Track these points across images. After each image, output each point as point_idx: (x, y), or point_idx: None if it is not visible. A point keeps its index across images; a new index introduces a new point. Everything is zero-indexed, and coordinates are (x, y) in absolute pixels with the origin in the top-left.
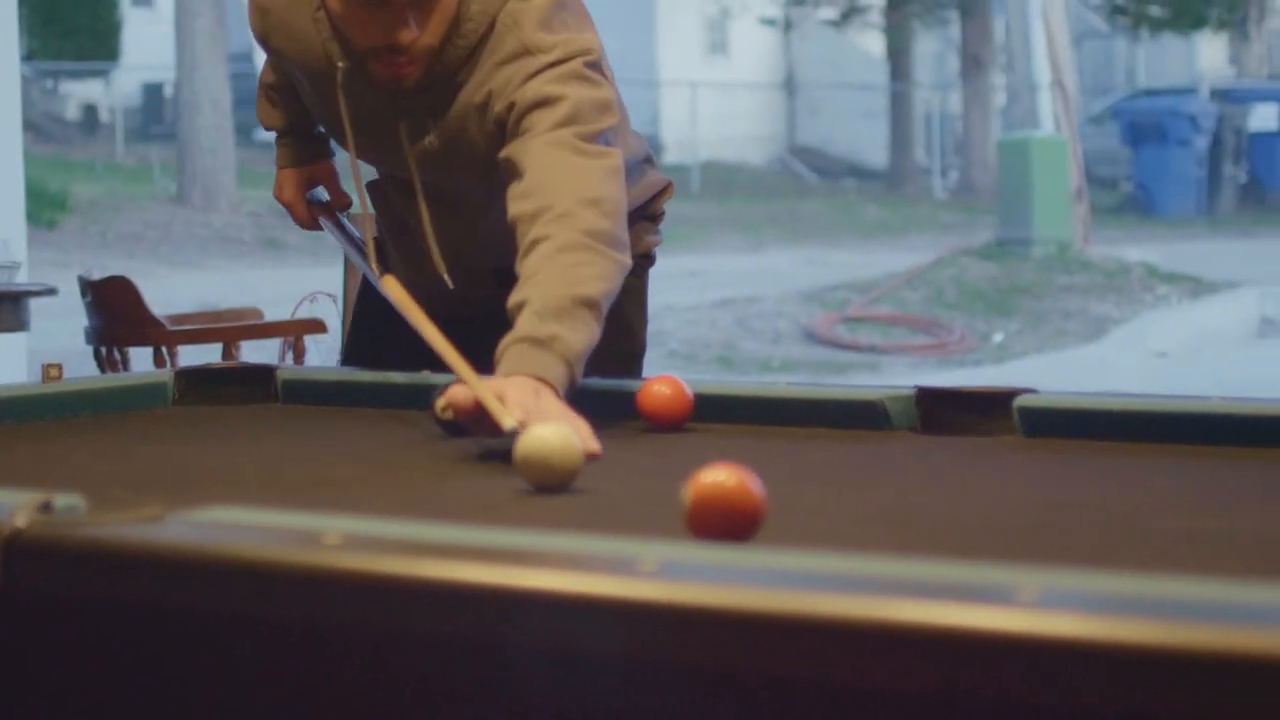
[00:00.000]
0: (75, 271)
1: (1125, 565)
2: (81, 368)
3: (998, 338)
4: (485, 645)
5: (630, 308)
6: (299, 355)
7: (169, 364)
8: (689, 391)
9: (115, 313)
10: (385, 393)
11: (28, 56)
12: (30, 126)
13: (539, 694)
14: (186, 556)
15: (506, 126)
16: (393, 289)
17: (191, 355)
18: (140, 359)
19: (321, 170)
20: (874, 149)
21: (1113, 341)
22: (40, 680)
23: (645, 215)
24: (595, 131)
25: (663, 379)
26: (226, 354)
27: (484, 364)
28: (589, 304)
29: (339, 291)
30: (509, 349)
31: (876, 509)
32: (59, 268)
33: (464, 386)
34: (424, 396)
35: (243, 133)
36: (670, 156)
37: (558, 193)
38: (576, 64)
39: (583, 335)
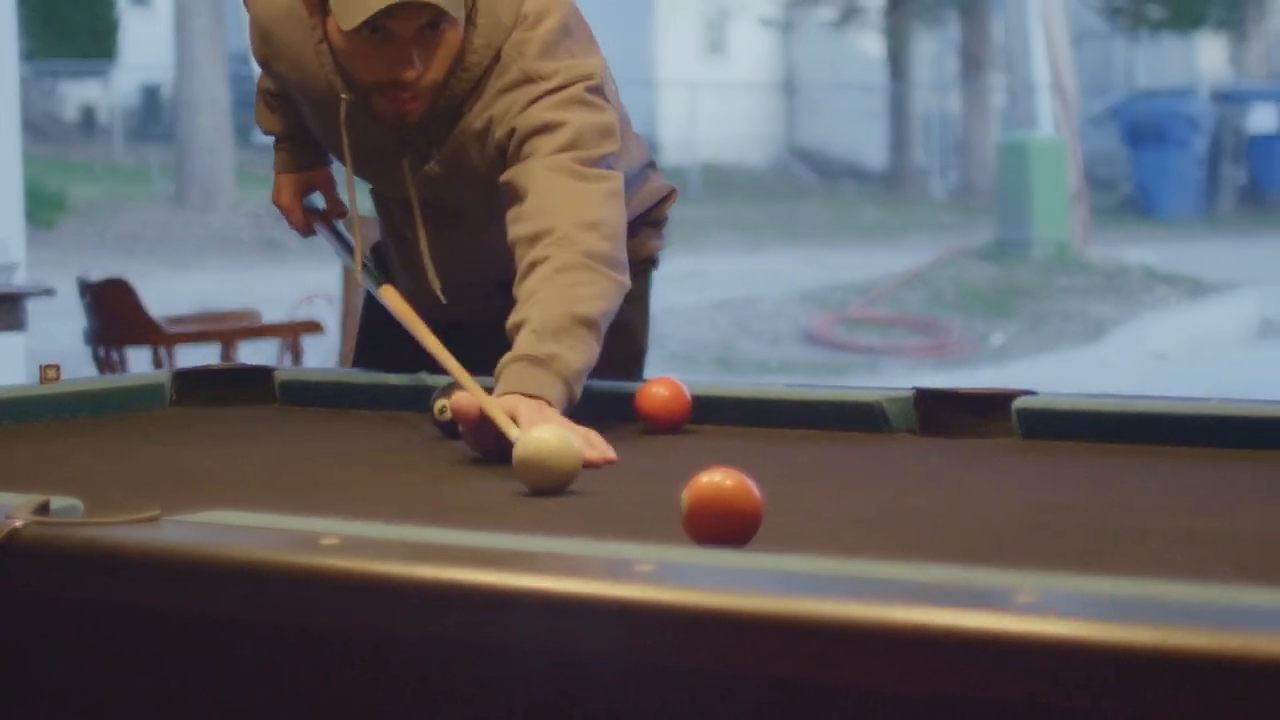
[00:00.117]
0: (74, 272)
1: (1123, 568)
2: (79, 368)
3: (997, 339)
4: (482, 647)
5: (631, 310)
6: (296, 356)
7: (166, 365)
8: (687, 393)
9: (113, 314)
10: (383, 394)
11: (27, 56)
12: (28, 127)
13: (536, 695)
14: (183, 558)
15: (507, 152)
16: (391, 298)
17: (190, 356)
18: (139, 360)
19: (319, 177)
20: (873, 150)
21: (1112, 343)
22: (38, 681)
23: (648, 221)
24: (596, 156)
25: (661, 381)
26: (225, 355)
27: (484, 372)
28: (587, 323)
29: (336, 293)
30: (507, 367)
31: (875, 511)
32: (58, 268)
33: (466, 394)
34: (422, 398)
35: (241, 134)
36: (669, 157)
37: (557, 216)
38: (578, 89)
39: (581, 354)
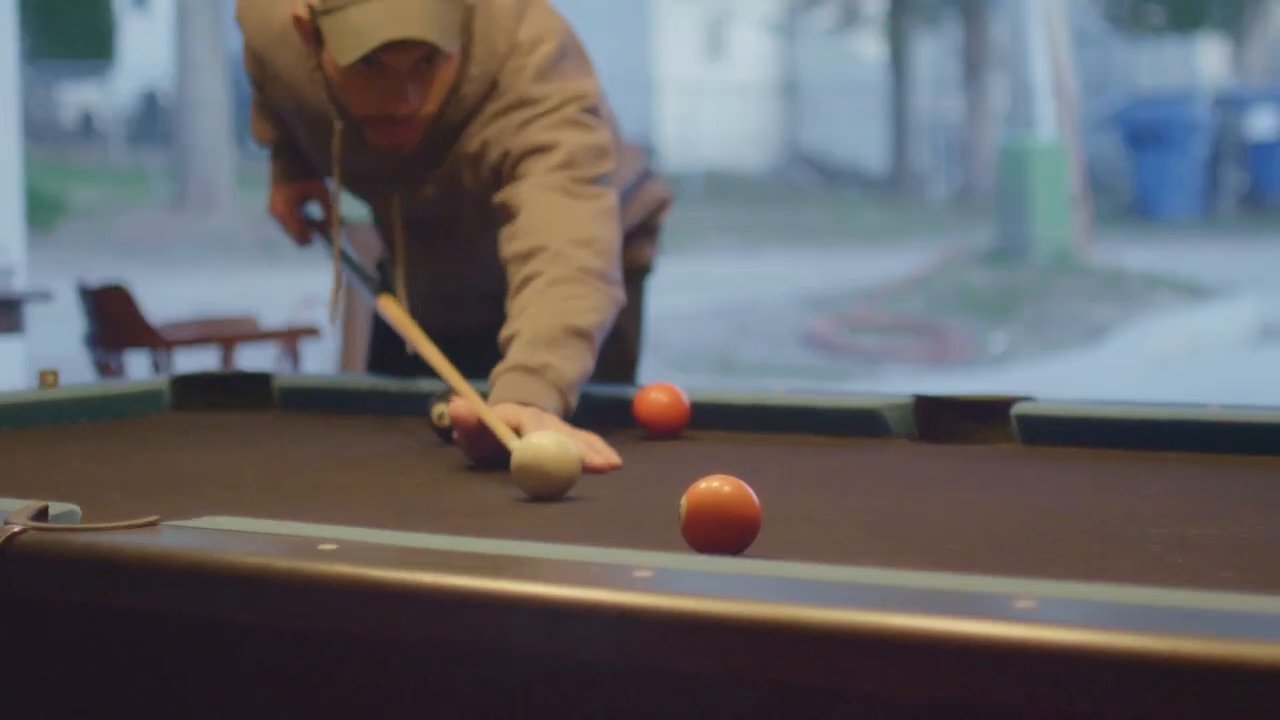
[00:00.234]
0: (72, 275)
1: (1122, 574)
2: (78, 372)
3: (997, 343)
4: (481, 652)
5: (624, 317)
6: (295, 360)
7: (165, 370)
8: (686, 399)
9: (112, 319)
10: (381, 399)
11: (28, 59)
12: (27, 130)
13: (535, 700)
14: (182, 563)
15: (501, 174)
16: (388, 307)
17: (189, 361)
18: (137, 365)
19: (315, 186)
20: (874, 153)
21: (1112, 346)
22: (38, 685)
23: (644, 230)
24: (590, 176)
25: (660, 387)
26: (224, 360)
27: (482, 379)
28: (581, 334)
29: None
30: (501, 377)
31: (874, 517)
32: (56, 272)
33: (464, 402)
34: (421, 404)
35: (241, 136)
36: (669, 160)
37: (550, 233)
38: (571, 110)
39: (574, 364)
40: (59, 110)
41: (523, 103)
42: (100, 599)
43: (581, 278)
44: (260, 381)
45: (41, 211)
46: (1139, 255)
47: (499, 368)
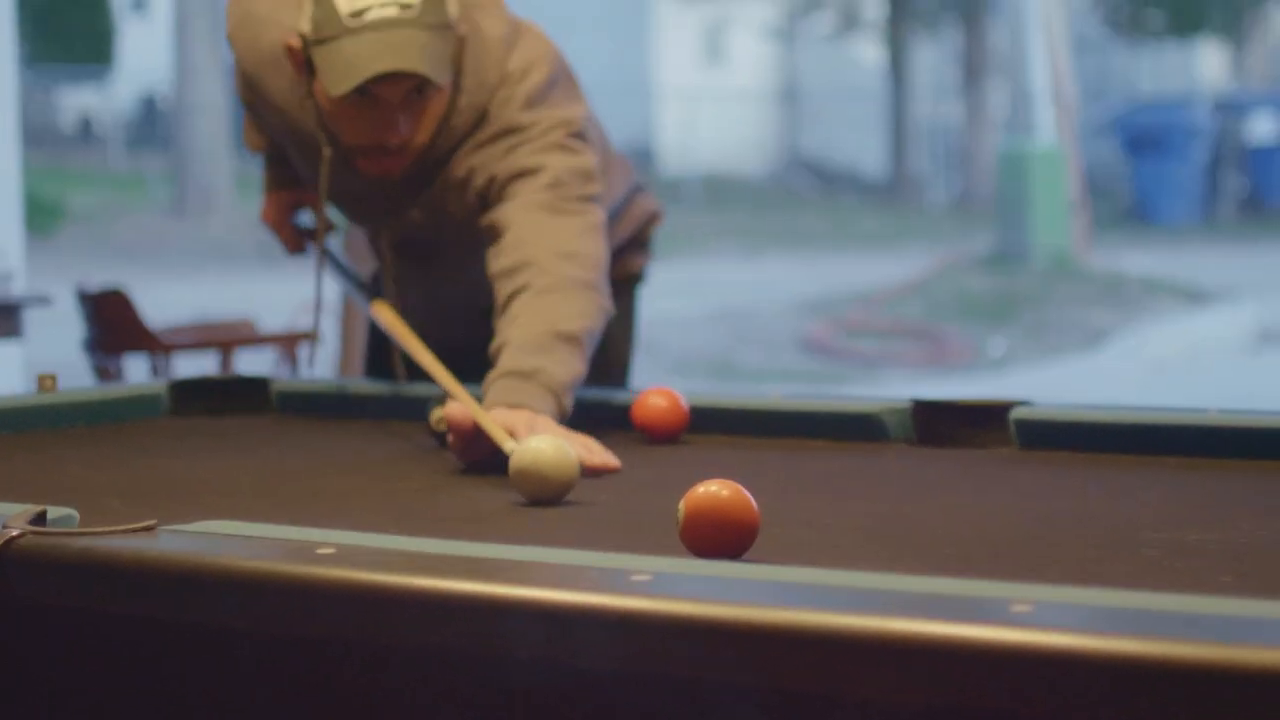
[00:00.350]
0: (71, 279)
1: (1119, 578)
2: (77, 377)
3: (996, 347)
4: (479, 656)
5: (614, 324)
6: (294, 364)
7: (163, 374)
8: (684, 404)
9: (111, 324)
10: (380, 404)
11: (27, 63)
12: (25, 134)
13: (533, 704)
14: (180, 568)
15: (487, 198)
16: (383, 314)
17: (187, 365)
18: (136, 369)
19: (308, 194)
20: (873, 158)
21: (1111, 351)
22: (36, 688)
23: (634, 243)
24: (576, 196)
25: (658, 391)
26: (222, 364)
27: (478, 384)
28: (569, 339)
29: (334, 302)
30: (494, 384)
31: (872, 521)
32: (55, 276)
33: (459, 407)
34: (419, 408)
35: (240, 141)
36: (667, 166)
37: (535, 247)
38: (556, 135)
39: (566, 368)
40: (58, 115)
41: (509, 130)
42: (98, 603)
43: (568, 286)
44: (258, 386)
45: (40, 216)
46: (1138, 260)
47: (491, 375)
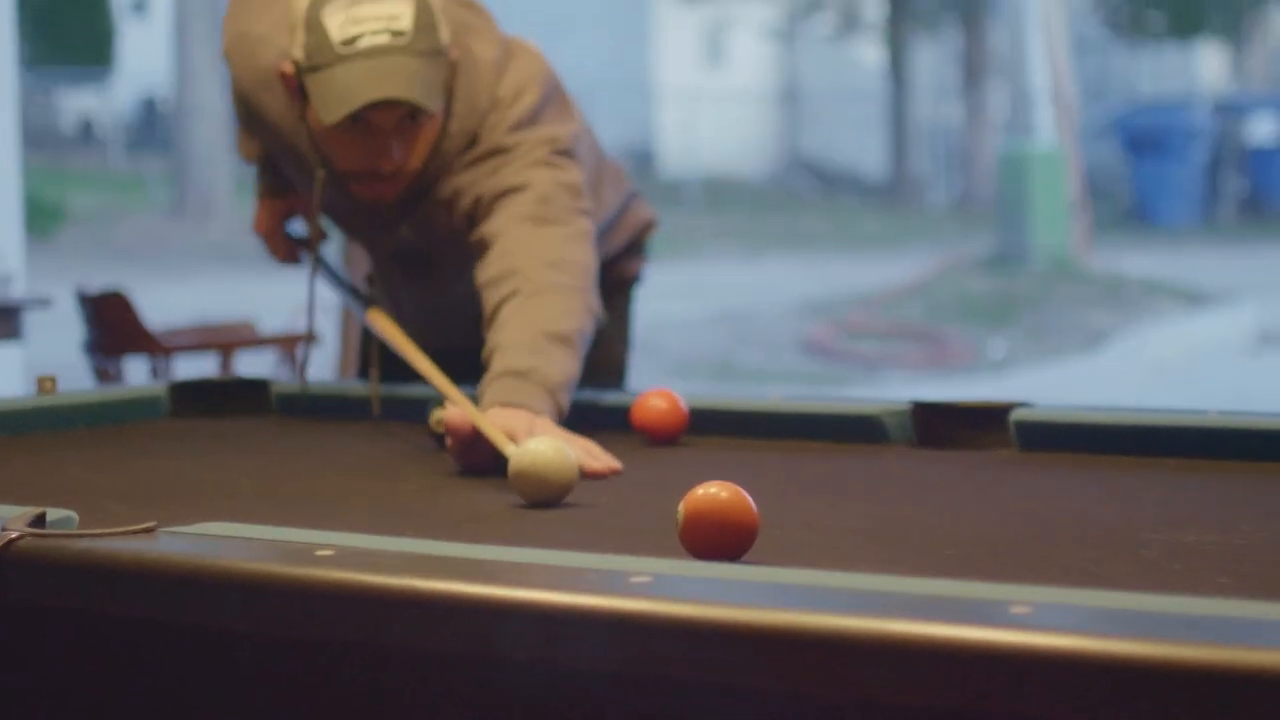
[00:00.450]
0: (71, 281)
1: (1118, 580)
2: (77, 379)
3: (997, 349)
4: (478, 658)
5: (610, 326)
6: (294, 366)
7: (163, 376)
8: (684, 405)
9: (111, 326)
10: (380, 406)
11: (27, 65)
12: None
13: (531, 707)
14: (179, 570)
15: (475, 218)
16: (379, 321)
17: (187, 367)
18: (136, 371)
19: (301, 203)
20: (873, 160)
21: (1111, 352)
22: (34, 689)
23: (631, 248)
24: (563, 208)
25: (658, 393)
26: (222, 366)
27: (474, 387)
28: (560, 339)
29: (333, 304)
30: (489, 386)
31: (872, 523)
32: (55, 278)
33: (458, 411)
34: (419, 410)
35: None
36: (668, 167)
37: (521, 256)
38: (541, 152)
39: (558, 366)
40: (58, 117)
41: (495, 151)
42: (97, 605)
43: (555, 289)
44: (258, 388)
45: (41, 218)
46: (1138, 262)
47: (486, 377)
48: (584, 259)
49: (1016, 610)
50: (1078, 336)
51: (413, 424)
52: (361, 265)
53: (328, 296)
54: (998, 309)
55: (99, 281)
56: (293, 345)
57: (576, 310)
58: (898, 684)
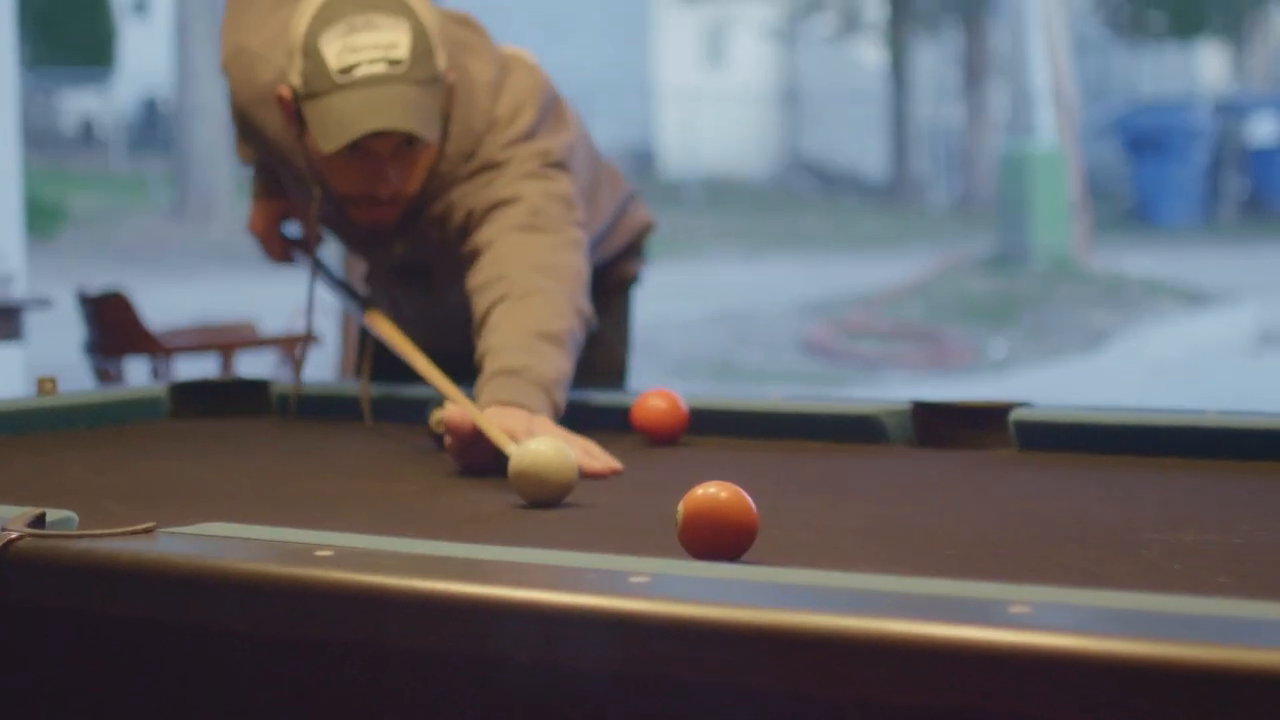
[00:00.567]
0: (72, 282)
1: (1118, 580)
2: (77, 379)
3: (997, 349)
4: (477, 659)
5: (609, 327)
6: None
7: (164, 376)
8: (684, 405)
9: (112, 326)
10: (380, 407)
11: (28, 66)
12: (26, 137)
13: (531, 707)
14: (179, 570)
15: (467, 231)
16: (377, 322)
17: (188, 368)
18: (137, 372)
19: (297, 206)
20: (874, 160)
21: (1112, 352)
22: (34, 690)
23: (629, 251)
24: (554, 218)
25: (658, 393)
26: (223, 367)
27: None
28: (552, 337)
29: (334, 305)
30: (485, 385)
31: (871, 523)
32: (56, 279)
33: (458, 410)
34: (418, 411)
35: None
36: (668, 167)
37: (510, 263)
38: (533, 165)
39: (552, 364)
40: (59, 117)
41: (488, 166)
42: (97, 605)
43: (544, 292)
44: (259, 388)
45: (41, 219)
46: (1139, 262)
47: (480, 379)
48: (573, 265)
49: (1016, 610)
50: (1078, 336)
51: (412, 425)
52: (360, 266)
53: (328, 297)
54: (998, 309)
55: (99, 282)
56: (293, 346)
57: (565, 311)
58: (898, 684)
